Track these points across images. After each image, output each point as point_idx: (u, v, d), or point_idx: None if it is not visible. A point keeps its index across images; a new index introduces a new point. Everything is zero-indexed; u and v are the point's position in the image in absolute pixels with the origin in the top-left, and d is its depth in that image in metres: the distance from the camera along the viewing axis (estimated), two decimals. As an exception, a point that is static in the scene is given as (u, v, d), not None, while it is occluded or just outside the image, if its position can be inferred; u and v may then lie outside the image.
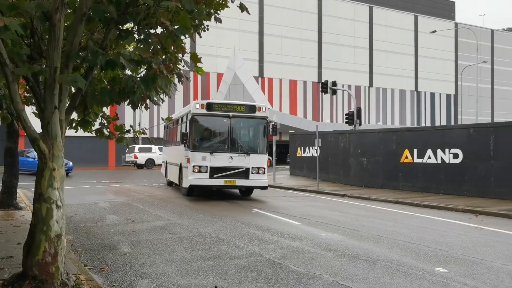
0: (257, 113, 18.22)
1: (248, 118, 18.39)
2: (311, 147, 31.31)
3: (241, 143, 18.27)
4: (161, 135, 53.12)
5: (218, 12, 7.58)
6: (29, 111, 8.94)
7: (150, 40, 6.56)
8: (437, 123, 69.76)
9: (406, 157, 22.51)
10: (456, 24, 73.41)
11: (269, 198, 19.51)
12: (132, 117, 49.11)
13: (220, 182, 17.70)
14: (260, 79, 58.36)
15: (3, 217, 13.01)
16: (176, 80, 7.79)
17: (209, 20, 7.43)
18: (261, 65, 59.28)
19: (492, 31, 78.70)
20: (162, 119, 9.99)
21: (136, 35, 6.67)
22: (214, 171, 17.59)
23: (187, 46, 6.94)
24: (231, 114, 17.83)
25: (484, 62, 65.88)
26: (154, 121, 50.46)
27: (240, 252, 9.12)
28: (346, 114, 32.49)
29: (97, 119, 8.63)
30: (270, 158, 31.07)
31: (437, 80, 72.06)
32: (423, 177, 21.67)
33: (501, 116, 74.96)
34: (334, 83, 32.32)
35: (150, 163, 45.78)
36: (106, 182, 27.58)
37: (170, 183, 25.11)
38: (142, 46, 6.55)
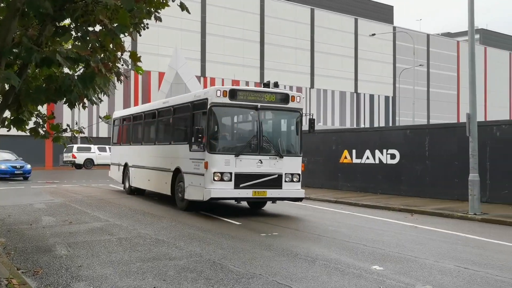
0: (290, 104, 14.61)
1: (280, 110, 14.74)
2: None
3: (272, 143, 14.40)
4: (102, 134, 52.40)
5: (159, 10, 7.51)
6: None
7: (88, 38, 6.43)
8: (375, 125, 71.41)
9: (346, 157, 22.96)
10: (394, 28, 75.44)
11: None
12: (70, 116, 47.92)
13: (247, 193, 13.79)
14: (202, 78, 58.09)
15: None
16: (115, 79, 7.67)
17: (149, 18, 7.36)
18: (204, 64, 59.05)
19: (428, 35, 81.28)
20: (100, 117, 9.81)
21: (73, 32, 6.52)
22: (241, 179, 13.74)
23: (127, 45, 6.85)
24: (259, 104, 14.12)
25: (420, 65, 67.93)
26: (94, 120, 49.41)
27: (180, 253, 9.06)
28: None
29: (32, 118, 8.38)
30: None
31: (376, 82, 73.78)
32: (362, 177, 22.17)
33: (436, 118, 77.50)
34: (276, 84, 32.49)
35: (89, 163, 44.85)
36: (42, 183, 26.75)
37: (133, 191, 20.46)
38: (79, 43, 6.41)
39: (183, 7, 7.34)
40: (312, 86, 67.97)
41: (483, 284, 7.37)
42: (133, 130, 21.50)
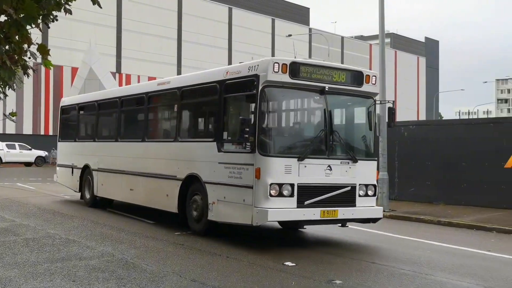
0: (364, 87, 10.52)
1: (351, 95, 10.66)
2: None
3: (345, 141, 10.41)
4: (9, 131, 49.96)
5: (70, 3, 7.25)
6: None
7: (-9, 28, 6.11)
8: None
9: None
10: (310, 30, 77.14)
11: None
12: (-25, 111, 45.46)
13: (314, 214, 9.60)
14: (117, 75, 56.78)
15: None
16: (22, 73, 7.33)
17: (59, 10, 7.06)
18: (119, 60, 57.77)
19: (342, 38, 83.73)
20: (5, 115, 9.30)
21: (-25, 22, 6.17)
22: (306, 194, 9.62)
23: (36, 37, 6.57)
24: (327, 86, 9.94)
25: (335, 66, 69.89)
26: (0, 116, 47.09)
27: (91, 253, 8.82)
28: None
29: None
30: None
31: (292, 82, 75.16)
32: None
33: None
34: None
35: (-4, 161, 42.75)
36: None
37: (98, 203, 15.54)
38: (-18, 34, 6.08)
39: (94, 1, 7.12)
40: (229, 84, 68.22)
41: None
42: (99, 121, 16.70)
